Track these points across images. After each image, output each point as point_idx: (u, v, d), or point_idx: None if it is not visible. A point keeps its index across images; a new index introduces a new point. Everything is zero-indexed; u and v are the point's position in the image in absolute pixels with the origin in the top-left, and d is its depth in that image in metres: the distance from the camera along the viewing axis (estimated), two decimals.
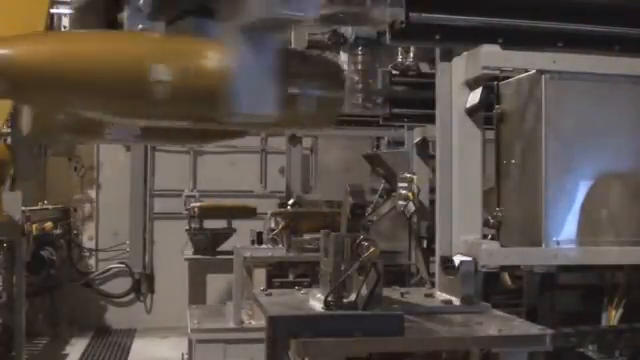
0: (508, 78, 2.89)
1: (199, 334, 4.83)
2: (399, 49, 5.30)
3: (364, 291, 2.20)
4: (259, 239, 5.12)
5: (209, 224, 6.61)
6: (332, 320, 2.18)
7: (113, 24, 2.01)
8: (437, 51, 2.96)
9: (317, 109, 1.87)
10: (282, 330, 2.13)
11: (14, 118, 4.09)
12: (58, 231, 7.82)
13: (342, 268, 2.23)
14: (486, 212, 2.89)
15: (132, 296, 9.11)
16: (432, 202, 4.29)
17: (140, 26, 1.90)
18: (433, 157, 3.51)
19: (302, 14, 1.55)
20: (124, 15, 1.96)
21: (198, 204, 6.78)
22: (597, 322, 3.01)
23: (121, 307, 9.09)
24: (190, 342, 4.97)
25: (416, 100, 5.08)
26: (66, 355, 7.60)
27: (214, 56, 1.63)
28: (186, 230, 6.63)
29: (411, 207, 4.69)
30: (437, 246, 2.88)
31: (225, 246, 6.40)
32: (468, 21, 2.72)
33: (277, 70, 1.61)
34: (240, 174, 9.18)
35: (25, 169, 7.58)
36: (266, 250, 4.88)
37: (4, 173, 4.96)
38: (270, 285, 4.53)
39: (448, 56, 2.87)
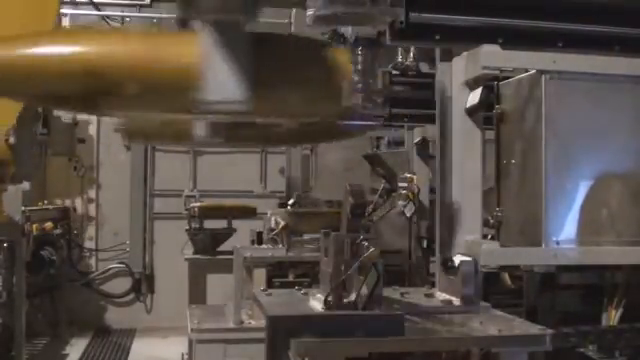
0: (508, 78, 2.89)
1: (199, 334, 4.83)
2: (399, 49, 5.30)
3: (364, 291, 2.20)
4: (259, 239, 5.11)
5: (209, 224, 6.61)
6: (332, 320, 2.18)
7: None
8: (437, 51, 2.96)
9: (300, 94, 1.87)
10: (282, 330, 2.13)
11: (20, 119, 4.09)
12: (58, 231, 7.82)
13: (342, 268, 2.23)
14: (486, 212, 2.89)
15: (132, 296, 9.12)
16: (432, 202, 4.30)
17: None
18: (433, 157, 3.52)
19: None
20: None
21: (198, 204, 6.78)
22: (597, 322, 3.01)
23: (121, 307, 9.09)
24: (190, 342, 4.97)
25: (416, 100, 5.08)
26: (66, 355, 7.60)
27: (185, 47, 1.64)
28: (186, 230, 6.63)
29: (411, 207, 4.69)
30: (437, 246, 2.88)
31: (225, 246, 6.39)
32: (468, 21, 2.72)
33: (246, 57, 1.61)
34: (240, 174, 9.18)
35: (26, 169, 7.58)
36: (266, 250, 4.88)
37: (5, 173, 4.95)
38: (270, 285, 4.53)
39: (448, 56, 2.87)
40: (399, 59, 5.26)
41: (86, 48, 1.65)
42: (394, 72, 5.19)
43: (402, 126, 5.55)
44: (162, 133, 2.58)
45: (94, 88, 1.61)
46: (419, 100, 4.90)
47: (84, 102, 1.72)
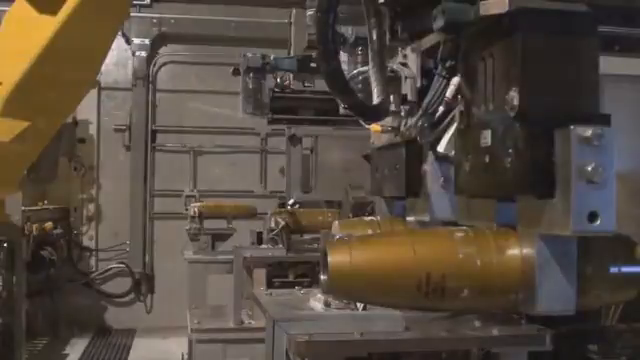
0: None
1: (199, 334, 4.83)
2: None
3: None
4: (259, 239, 5.11)
5: (209, 224, 6.61)
6: (332, 320, 2.18)
7: None
8: None
9: (613, 288, 1.91)
10: (282, 330, 2.13)
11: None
12: (58, 231, 7.83)
13: None
14: None
15: (132, 296, 9.12)
16: None
17: None
18: None
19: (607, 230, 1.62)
20: None
21: (198, 204, 6.78)
22: (597, 322, 3.01)
23: (121, 307, 9.09)
24: (190, 342, 4.98)
25: None
26: (66, 355, 7.60)
27: (514, 252, 1.68)
28: (186, 230, 6.63)
29: None
30: None
31: (225, 246, 6.40)
32: None
33: (576, 267, 1.66)
34: (240, 174, 9.19)
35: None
36: (266, 250, 4.88)
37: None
38: (270, 285, 4.53)
39: None
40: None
41: (421, 255, 1.71)
42: None
43: None
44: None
45: (426, 291, 1.68)
46: None
47: (412, 304, 1.84)
